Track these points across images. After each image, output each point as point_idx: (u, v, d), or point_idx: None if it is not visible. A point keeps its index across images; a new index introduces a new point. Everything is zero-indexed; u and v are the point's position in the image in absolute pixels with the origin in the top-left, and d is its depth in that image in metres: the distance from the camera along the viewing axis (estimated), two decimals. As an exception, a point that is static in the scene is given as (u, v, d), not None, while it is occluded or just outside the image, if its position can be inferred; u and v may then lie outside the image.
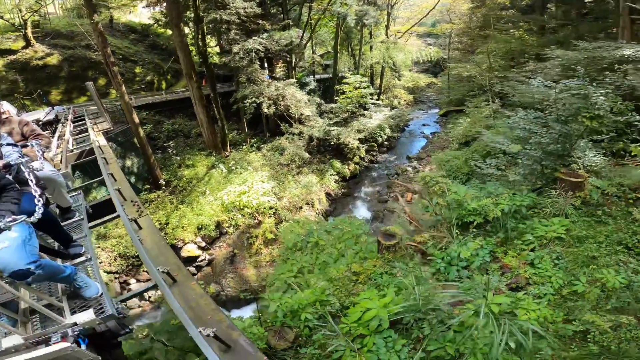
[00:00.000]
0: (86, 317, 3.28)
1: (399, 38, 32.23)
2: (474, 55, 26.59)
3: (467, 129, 22.83)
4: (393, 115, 26.70)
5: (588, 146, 8.08)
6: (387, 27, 29.86)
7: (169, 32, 26.60)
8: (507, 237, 6.70)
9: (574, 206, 6.74)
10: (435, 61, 38.94)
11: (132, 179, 19.07)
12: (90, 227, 5.93)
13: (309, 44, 27.41)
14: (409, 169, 24.51)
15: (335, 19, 24.12)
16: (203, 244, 16.67)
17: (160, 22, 22.73)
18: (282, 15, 22.54)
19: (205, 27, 20.23)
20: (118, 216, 6.24)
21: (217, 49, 24.73)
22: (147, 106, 23.05)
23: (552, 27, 22.40)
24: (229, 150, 22.68)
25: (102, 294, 3.78)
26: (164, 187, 19.73)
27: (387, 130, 25.91)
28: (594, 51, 10.24)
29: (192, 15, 21.89)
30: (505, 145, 8.13)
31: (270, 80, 20.98)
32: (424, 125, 32.07)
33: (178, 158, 21.58)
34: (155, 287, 4.79)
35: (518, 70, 18.11)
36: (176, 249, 15.93)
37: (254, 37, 19.30)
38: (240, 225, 17.36)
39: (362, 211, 20.73)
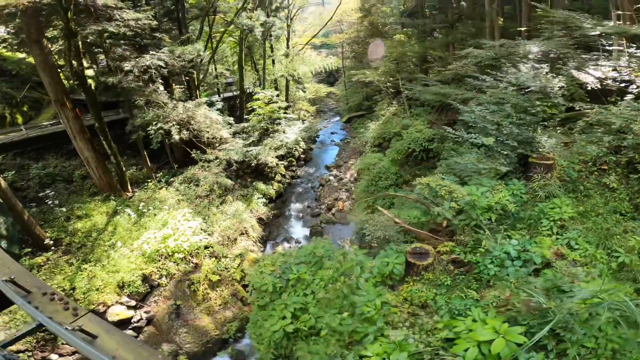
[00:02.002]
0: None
1: (300, 50, 34.51)
2: (371, 61, 30.35)
3: (380, 132, 25.76)
4: (305, 127, 28.43)
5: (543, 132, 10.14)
6: (287, 39, 31.75)
7: (19, 55, 23.02)
8: (530, 225, 7.82)
9: (558, 186, 8.43)
10: (330, 71, 42.67)
11: (3, 244, 16.05)
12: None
13: (210, 61, 27.18)
14: (331, 178, 26.45)
15: (238, 33, 24.61)
16: (133, 303, 15.12)
17: (9, 43, 19.49)
18: (177, 30, 21.94)
19: (80, 42, 18.33)
20: (41, 326, 4.67)
21: (91, 72, 22.46)
22: (1, 148, 19.53)
23: (430, 31, 27.33)
24: (130, 190, 20.79)
25: None
26: (52, 248, 17.09)
27: (302, 144, 27.46)
28: (499, 49, 13.34)
29: (56, 30, 19.65)
30: (478, 139, 9.80)
31: (175, 102, 20.20)
32: (332, 133, 34.88)
33: (64, 209, 18.81)
34: None
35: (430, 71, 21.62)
36: (99, 315, 14.18)
37: (151, 52, 18.34)
38: (174, 274, 16.27)
39: (298, 229, 21.54)
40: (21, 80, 22.88)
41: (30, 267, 15.98)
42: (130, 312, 14.90)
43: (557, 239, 7.46)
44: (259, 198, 22.44)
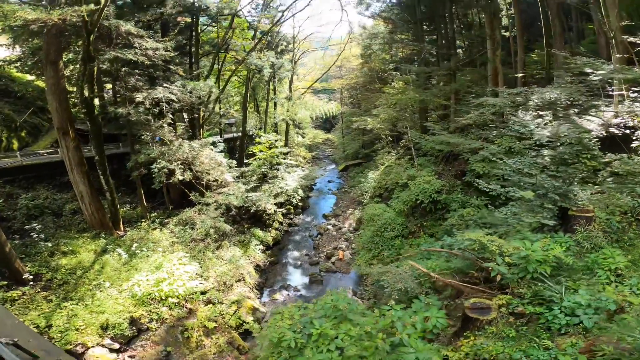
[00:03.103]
0: None
1: (302, 94, 36.34)
2: (373, 107, 31.40)
3: (381, 182, 26.24)
4: (304, 175, 29.19)
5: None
6: (290, 82, 33.50)
7: (28, 77, 23.43)
8: (586, 276, 8.32)
9: (603, 237, 9.11)
10: (327, 117, 44.64)
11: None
12: None
13: (216, 100, 28.03)
14: (329, 227, 26.77)
15: (244, 73, 25.82)
16: (116, 346, 14.42)
17: (24, 62, 19.75)
18: (189, 65, 22.93)
19: (96, 69, 18.74)
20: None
21: (96, 102, 23.02)
22: (-8, 173, 19.23)
23: (433, 78, 28.69)
24: (122, 229, 20.58)
25: None
26: (31, 282, 16.61)
27: (300, 191, 28.08)
28: (514, 97, 14.24)
29: (71, 54, 20.31)
30: (516, 192, 10.14)
31: (180, 140, 20.70)
32: (329, 181, 35.76)
33: (49, 244, 18.44)
34: None
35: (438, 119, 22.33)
36: (75, 357, 13.56)
37: (164, 85, 18.85)
38: (166, 319, 15.87)
39: (296, 277, 21.40)
40: (25, 104, 23.05)
41: (4, 301, 15.44)
42: (113, 356, 14.16)
43: (617, 286, 8.05)
44: (256, 245, 22.49)
